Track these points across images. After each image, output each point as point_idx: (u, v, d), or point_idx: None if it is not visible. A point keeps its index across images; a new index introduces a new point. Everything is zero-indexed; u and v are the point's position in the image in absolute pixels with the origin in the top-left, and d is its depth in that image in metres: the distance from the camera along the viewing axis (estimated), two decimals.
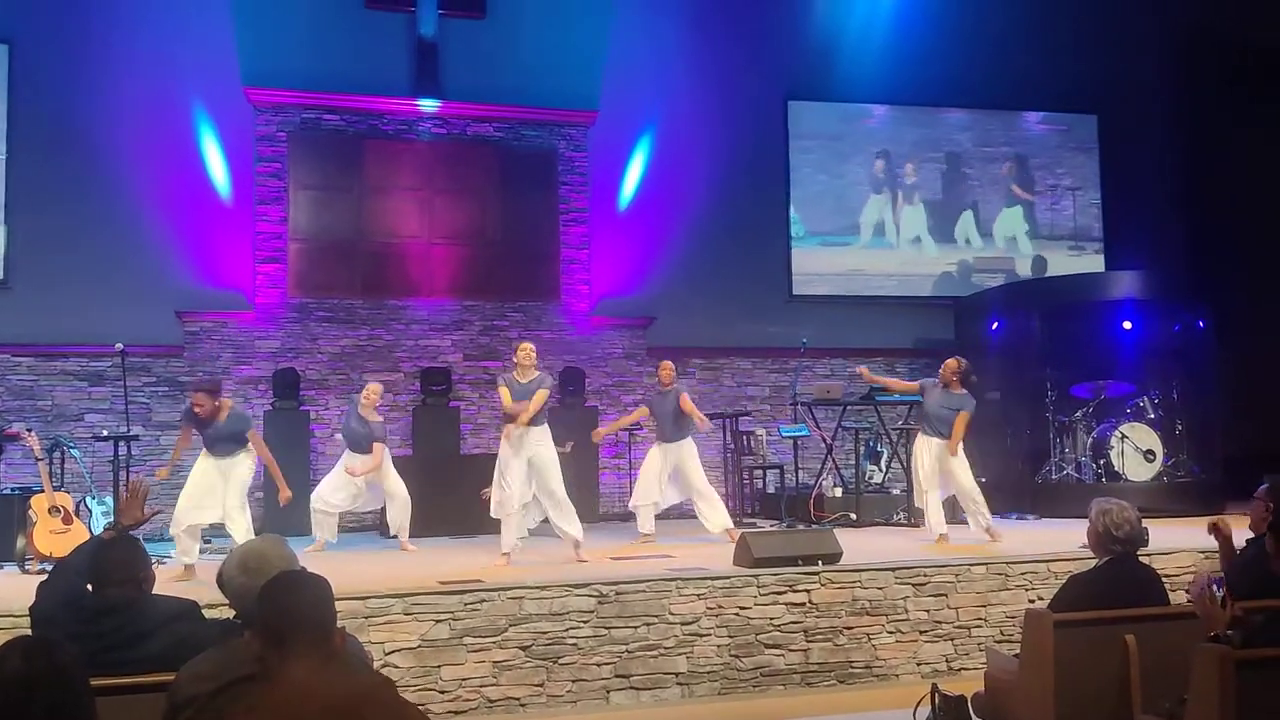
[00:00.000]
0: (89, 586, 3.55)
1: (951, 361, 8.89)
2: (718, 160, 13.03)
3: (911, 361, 13.53)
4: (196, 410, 7.55)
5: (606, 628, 6.38)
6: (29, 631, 3.54)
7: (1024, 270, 14.18)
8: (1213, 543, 5.08)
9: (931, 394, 8.88)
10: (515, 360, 8.07)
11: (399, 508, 8.99)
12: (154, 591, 3.59)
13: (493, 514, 7.93)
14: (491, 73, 12.30)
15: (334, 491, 8.84)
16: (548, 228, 12.55)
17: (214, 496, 7.58)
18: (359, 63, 12.01)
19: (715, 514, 8.86)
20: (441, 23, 12.26)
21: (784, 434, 10.89)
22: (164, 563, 7.74)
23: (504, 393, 7.91)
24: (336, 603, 2.56)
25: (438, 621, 6.13)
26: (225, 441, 7.59)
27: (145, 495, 3.99)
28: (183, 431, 7.93)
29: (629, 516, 11.63)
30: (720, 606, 6.59)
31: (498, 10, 12.43)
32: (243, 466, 7.69)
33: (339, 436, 9.33)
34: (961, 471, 8.65)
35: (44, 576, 3.74)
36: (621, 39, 12.60)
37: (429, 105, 12.18)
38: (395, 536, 9.11)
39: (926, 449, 8.78)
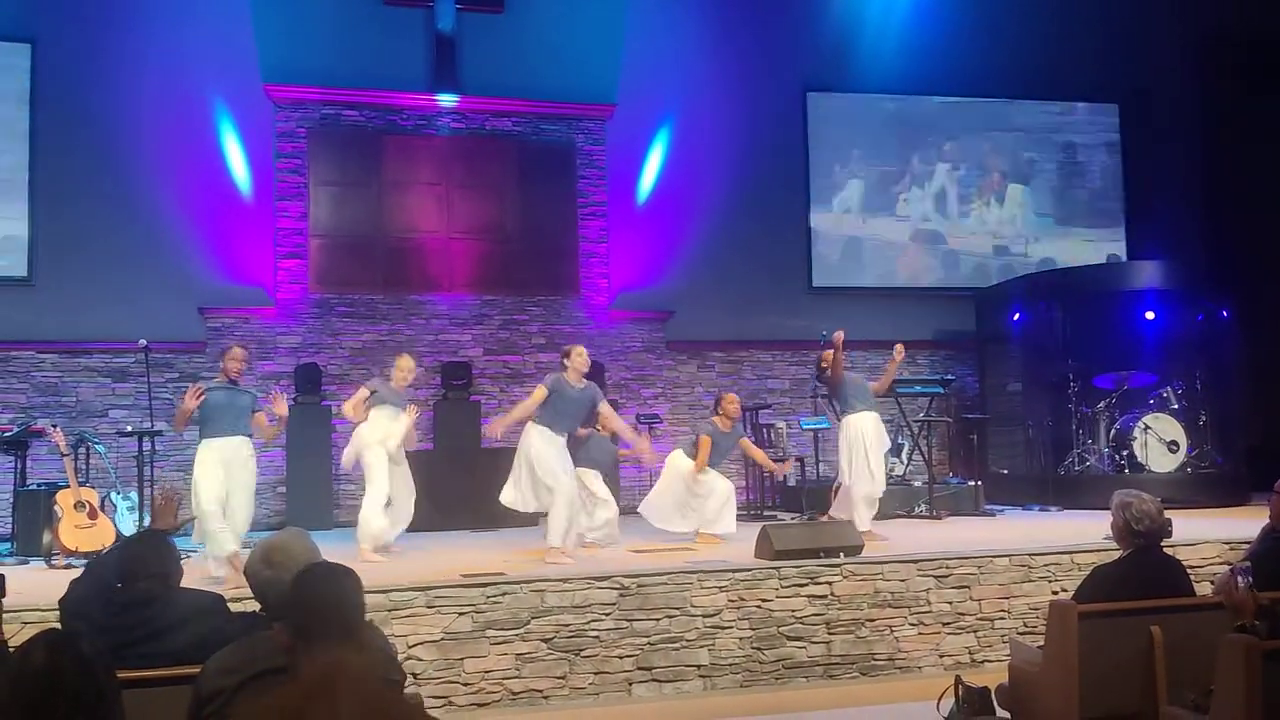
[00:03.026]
0: (118, 584, 3.59)
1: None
2: (736, 152, 13.00)
3: (932, 353, 13.48)
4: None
5: (628, 620, 6.39)
6: (58, 625, 3.58)
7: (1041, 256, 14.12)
8: (1237, 533, 5.05)
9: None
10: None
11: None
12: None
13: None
14: (510, 67, 12.32)
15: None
16: (566, 222, 12.56)
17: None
18: (378, 59, 12.03)
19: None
20: (459, 18, 12.27)
21: (805, 426, 10.88)
22: (189, 558, 7.80)
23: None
24: None
25: (460, 614, 6.16)
26: None
27: (179, 503, 4.02)
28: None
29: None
30: (742, 599, 6.59)
31: (515, 5, 12.44)
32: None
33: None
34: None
35: (70, 571, 3.78)
36: (639, 32, 12.59)
37: (447, 100, 12.20)
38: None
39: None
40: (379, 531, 7.87)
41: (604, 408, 8.03)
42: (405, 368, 8.37)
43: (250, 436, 7.37)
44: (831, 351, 8.79)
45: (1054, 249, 14.20)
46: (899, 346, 8.97)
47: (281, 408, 7.51)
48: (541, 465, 7.52)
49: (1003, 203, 14.23)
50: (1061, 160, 14.45)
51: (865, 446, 8.46)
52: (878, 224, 13.76)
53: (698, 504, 8.61)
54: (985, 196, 14.19)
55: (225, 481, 7.06)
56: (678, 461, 8.78)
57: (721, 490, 8.64)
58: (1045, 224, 14.33)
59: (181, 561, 3.77)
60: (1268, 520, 5.02)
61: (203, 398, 7.09)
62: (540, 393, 7.62)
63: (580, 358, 7.78)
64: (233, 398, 7.28)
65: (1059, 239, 14.29)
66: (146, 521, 8.38)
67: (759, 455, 9.39)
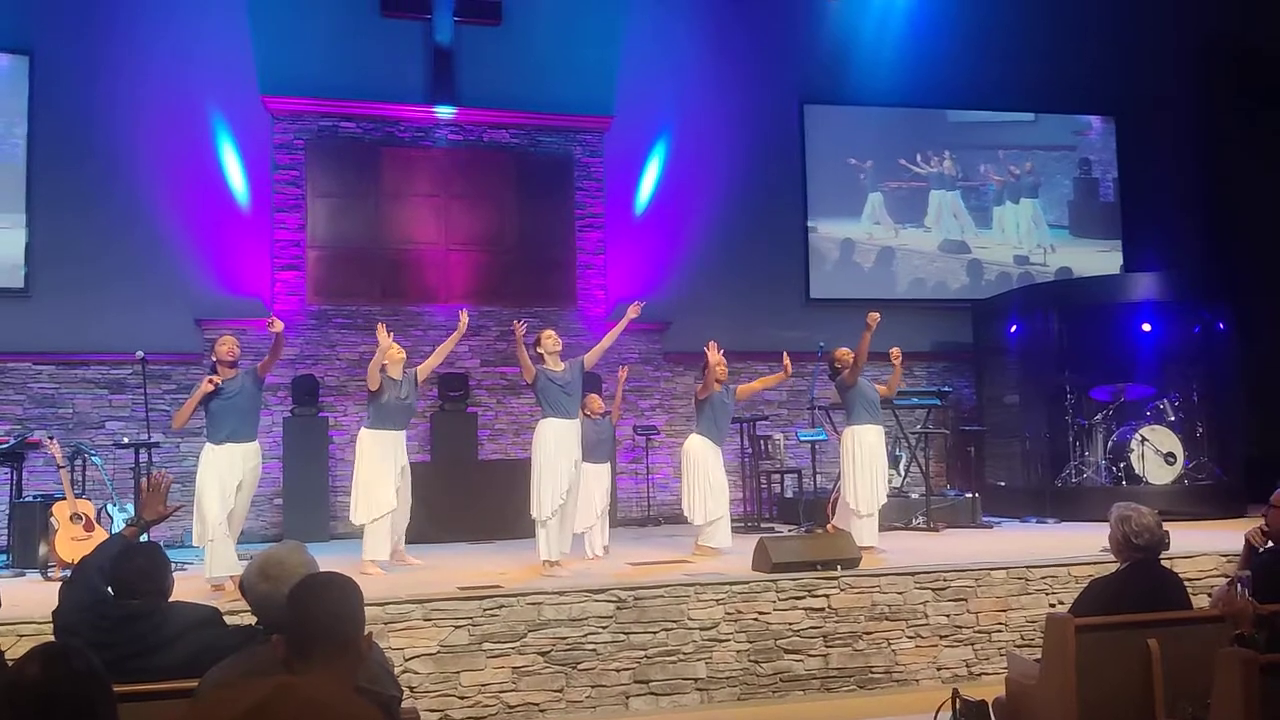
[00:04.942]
0: (110, 590, 3.57)
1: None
2: (733, 164, 13.02)
3: (930, 365, 13.49)
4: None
5: (625, 633, 6.38)
6: (53, 637, 3.57)
7: (1048, 267, 14.16)
8: (1235, 546, 5.05)
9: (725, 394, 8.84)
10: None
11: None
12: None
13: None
14: (507, 79, 12.33)
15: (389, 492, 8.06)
16: (564, 233, 12.57)
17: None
18: (376, 71, 12.05)
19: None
20: (457, 30, 12.29)
21: (801, 438, 10.87)
22: (185, 569, 7.78)
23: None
24: None
25: (457, 627, 6.14)
26: None
27: (167, 490, 4.00)
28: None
29: (646, 522, 11.67)
30: (739, 612, 6.58)
31: (513, 17, 12.46)
32: None
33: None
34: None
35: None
36: (636, 44, 12.62)
37: (445, 112, 12.22)
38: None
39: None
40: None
41: (589, 356, 8.16)
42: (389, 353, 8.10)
43: (255, 440, 7.37)
44: (845, 351, 8.76)
45: (1070, 259, 14.22)
46: (895, 350, 9.01)
47: (276, 326, 7.40)
48: (542, 474, 7.64)
49: (1016, 213, 14.25)
50: (1066, 171, 14.49)
51: (863, 461, 8.43)
52: (874, 235, 13.77)
53: (718, 494, 8.54)
54: (1001, 204, 14.22)
55: (231, 492, 7.04)
56: (697, 446, 8.69)
57: (723, 492, 8.64)
58: (1060, 235, 14.37)
59: (175, 572, 3.77)
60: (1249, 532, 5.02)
61: (214, 387, 7.10)
62: (532, 370, 7.77)
63: (549, 340, 7.96)
64: (232, 393, 7.20)
65: (1075, 249, 14.31)
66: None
67: (760, 381, 9.62)
